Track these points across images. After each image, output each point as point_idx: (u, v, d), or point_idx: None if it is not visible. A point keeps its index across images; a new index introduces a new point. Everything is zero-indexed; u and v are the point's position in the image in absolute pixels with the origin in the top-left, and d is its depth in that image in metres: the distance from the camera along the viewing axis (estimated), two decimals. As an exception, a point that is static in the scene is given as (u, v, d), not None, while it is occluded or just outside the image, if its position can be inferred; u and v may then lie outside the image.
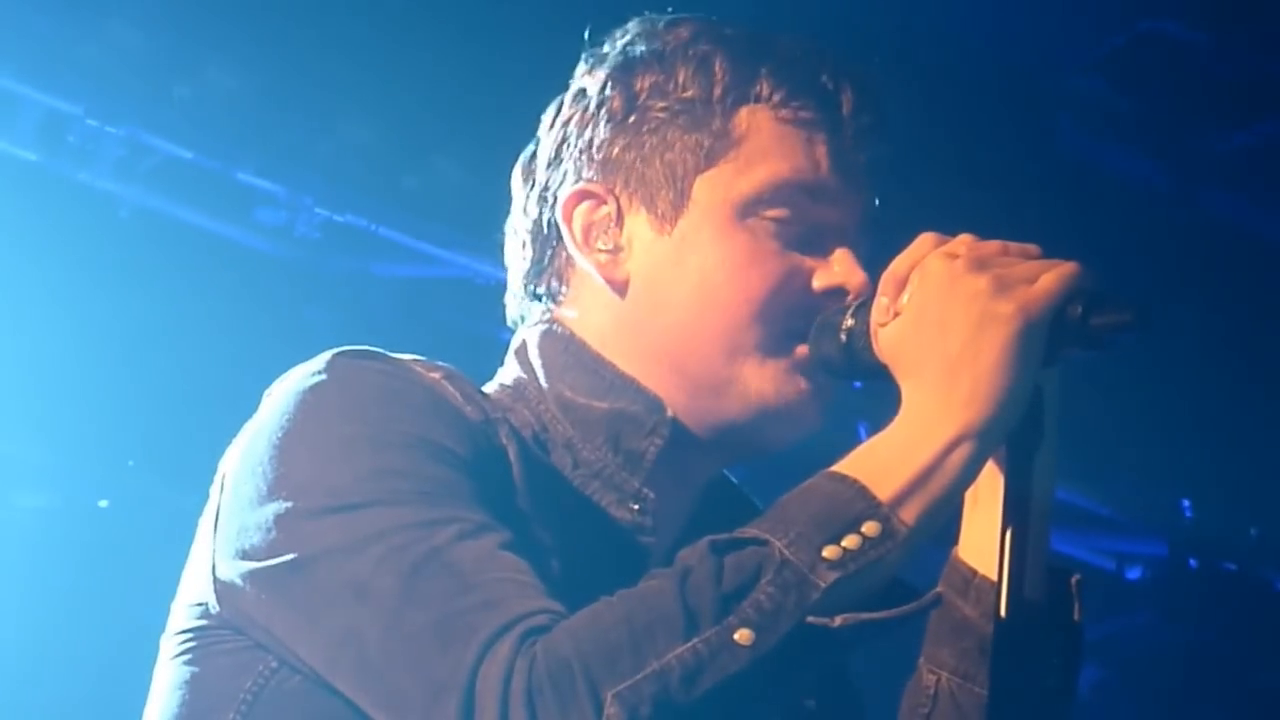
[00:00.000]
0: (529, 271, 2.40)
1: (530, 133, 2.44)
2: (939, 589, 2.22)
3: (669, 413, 2.30)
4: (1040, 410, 2.10)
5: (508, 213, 2.44)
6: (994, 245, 2.12)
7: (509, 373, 2.38)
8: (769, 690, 2.01)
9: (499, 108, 4.54)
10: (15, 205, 4.77)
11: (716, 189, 2.32)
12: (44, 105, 4.77)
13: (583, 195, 2.36)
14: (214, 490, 2.25)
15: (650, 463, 2.30)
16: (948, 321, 2.07)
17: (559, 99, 2.43)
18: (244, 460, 2.19)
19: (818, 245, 2.32)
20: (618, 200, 2.34)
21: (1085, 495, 5.96)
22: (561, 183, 2.37)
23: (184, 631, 2.24)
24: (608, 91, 2.36)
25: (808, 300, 2.29)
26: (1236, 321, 5.44)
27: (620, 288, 2.34)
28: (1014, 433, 2.09)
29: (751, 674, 1.98)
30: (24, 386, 4.92)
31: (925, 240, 2.15)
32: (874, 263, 2.25)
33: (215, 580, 2.19)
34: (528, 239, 2.40)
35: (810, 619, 1.99)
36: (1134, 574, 6.24)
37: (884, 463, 2.06)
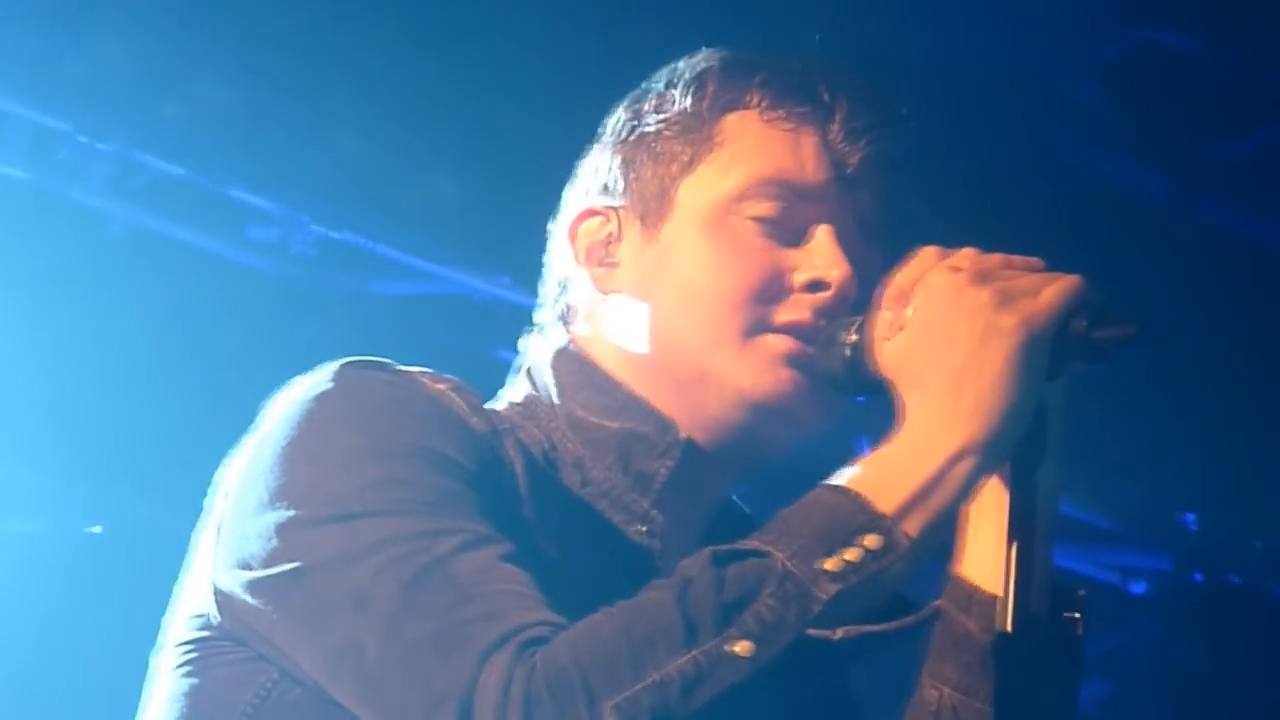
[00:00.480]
0: (551, 295, 2.43)
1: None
2: (940, 603, 2.21)
3: (681, 434, 2.30)
4: (1044, 424, 2.10)
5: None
6: (997, 258, 2.12)
7: (519, 390, 2.40)
8: (769, 702, 2.00)
9: (496, 124, 4.54)
10: (5, 224, 4.75)
11: (699, 192, 2.33)
12: (34, 123, 4.74)
13: (586, 214, 2.40)
14: (214, 501, 2.24)
15: (660, 484, 2.31)
16: (951, 335, 2.07)
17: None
18: (248, 468, 2.20)
19: (804, 243, 2.31)
20: (618, 217, 2.37)
21: (1088, 509, 5.95)
22: (572, 205, 2.42)
23: (184, 643, 2.24)
24: (617, 116, 2.41)
25: (788, 294, 2.29)
26: (1238, 331, 5.42)
27: (616, 300, 2.35)
28: (1018, 446, 2.08)
29: (751, 686, 1.98)
30: (15, 409, 4.89)
31: (928, 254, 2.15)
32: (875, 274, 2.23)
33: (216, 590, 2.19)
34: (550, 262, 2.44)
35: (811, 631, 1.98)
36: (1138, 588, 6.22)
37: (887, 475, 2.06)
